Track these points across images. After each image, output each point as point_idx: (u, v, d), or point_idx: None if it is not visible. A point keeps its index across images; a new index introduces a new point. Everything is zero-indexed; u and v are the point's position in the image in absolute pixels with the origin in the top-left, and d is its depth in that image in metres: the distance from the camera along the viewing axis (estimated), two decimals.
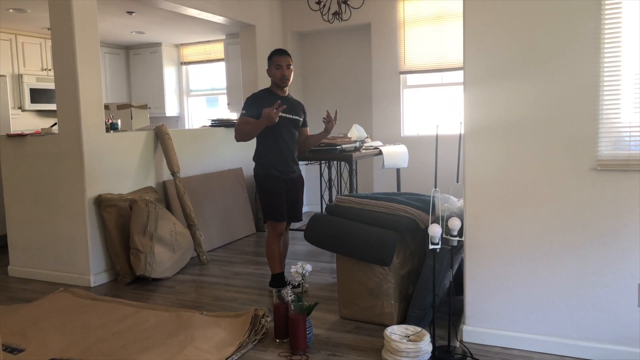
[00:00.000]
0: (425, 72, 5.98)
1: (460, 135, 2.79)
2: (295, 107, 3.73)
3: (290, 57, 3.64)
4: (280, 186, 3.62)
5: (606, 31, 2.41)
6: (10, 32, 6.51)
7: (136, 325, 3.15)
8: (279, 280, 3.68)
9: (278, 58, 3.60)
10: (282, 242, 3.73)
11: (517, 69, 2.60)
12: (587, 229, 2.53)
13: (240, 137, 3.59)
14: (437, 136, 2.99)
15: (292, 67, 3.63)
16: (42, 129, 4.40)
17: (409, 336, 2.63)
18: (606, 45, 2.41)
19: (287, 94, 3.72)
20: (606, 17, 2.40)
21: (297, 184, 3.76)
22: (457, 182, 2.94)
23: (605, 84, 2.43)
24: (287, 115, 3.59)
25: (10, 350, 2.87)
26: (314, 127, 4.04)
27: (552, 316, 2.63)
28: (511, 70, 2.61)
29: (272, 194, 3.61)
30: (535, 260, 2.64)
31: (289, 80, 3.63)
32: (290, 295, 2.88)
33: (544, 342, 2.64)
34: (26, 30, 6.64)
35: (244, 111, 3.60)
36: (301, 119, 3.76)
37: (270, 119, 3.38)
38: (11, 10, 5.63)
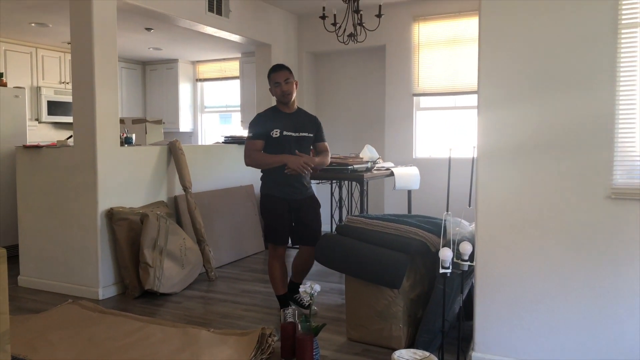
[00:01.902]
0: (439, 94, 5.99)
1: (473, 158, 2.78)
2: (304, 123, 3.59)
3: (288, 70, 3.51)
4: (282, 207, 3.49)
5: (622, 59, 2.40)
6: (31, 46, 6.66)
7: (143, 340, 3.14)
8: (283, 301, 3.60)
9: (274, 75, 3.49)
10: (300, 261, 3.65)
11: (531, 94, 2.59)
12: (600, 257, 2.49)
13: (253, 164, 3.50)
14: (449, 159, 2.98)
15: (291, 80, 3.49)
16: (57, 141, 4.47)
17: None
18: (622, 73, 2.41)
19: (295, 109, 3.59)
20: (622, 44, 2.40)
21: (305, 205, 3.57)
22: (469, 206, 2.92)
23: (621, 111, 2.42)
24: (292, 134, 3.48)
25: None
26: (329, 144, 3.91)
27: (563, 345, 2.58)
28: (526, 96, 2.61)
29: (273, 215, 3.51)
30: (547, 288, 2.60)
31: (290, 94, 3.50)
32: (288, 314, 2.87)
33: None
34: (46, 44, 6.79)
35: (250, 134, 3.48)
36: (311, 135, 3.61)
37: (296, 167, 3.39)
38: (33, 25, 5.76)
